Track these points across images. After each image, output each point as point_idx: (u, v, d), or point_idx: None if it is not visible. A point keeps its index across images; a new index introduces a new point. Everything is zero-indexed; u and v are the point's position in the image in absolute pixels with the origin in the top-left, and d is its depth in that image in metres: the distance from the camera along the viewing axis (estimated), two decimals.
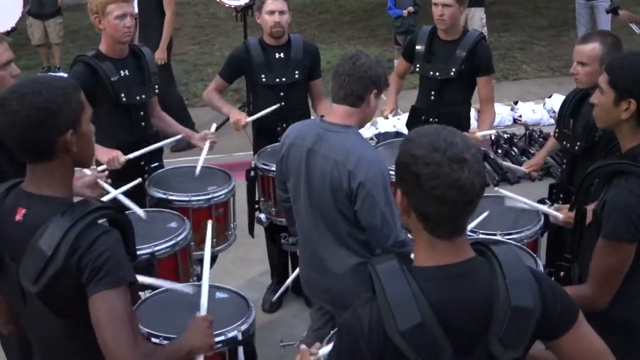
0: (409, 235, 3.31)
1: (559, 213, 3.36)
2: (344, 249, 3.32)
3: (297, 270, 3.87)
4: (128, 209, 3.45)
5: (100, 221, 2.22)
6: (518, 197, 3.68)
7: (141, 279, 2.53)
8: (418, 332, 1.80)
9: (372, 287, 1.89)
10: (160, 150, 4.49)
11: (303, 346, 2.32)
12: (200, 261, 4.10)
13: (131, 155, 4.02)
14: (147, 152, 4.20)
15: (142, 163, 4.30)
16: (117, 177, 3.84)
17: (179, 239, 3.64)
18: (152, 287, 3.15)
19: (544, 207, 3.60)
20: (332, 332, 2.96)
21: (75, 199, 2.33)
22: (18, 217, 2.23)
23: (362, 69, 3.17)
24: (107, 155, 3.89)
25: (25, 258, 2.17)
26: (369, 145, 3.52)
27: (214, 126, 4.55)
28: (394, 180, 3.81)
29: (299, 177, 3.34)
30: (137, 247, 2.56)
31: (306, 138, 3.31)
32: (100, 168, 3.82)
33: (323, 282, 3.45)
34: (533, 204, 3.64)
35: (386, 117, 4.96)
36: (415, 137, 1.90)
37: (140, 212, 3.52)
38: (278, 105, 4.57)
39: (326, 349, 2.30)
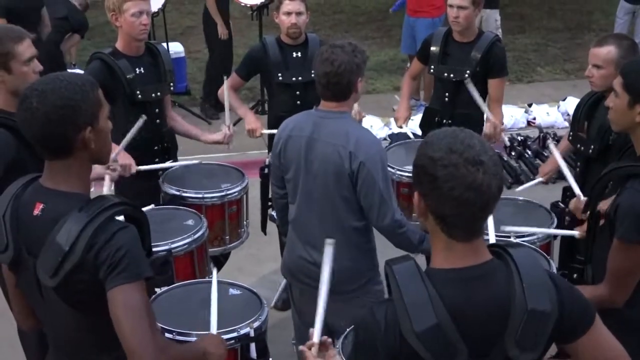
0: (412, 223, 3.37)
1: (575, 231, 3.40)
2: (343, 236, 3.31)
3: None
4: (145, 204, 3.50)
5: (117, 217, 2.24)
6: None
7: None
8: (434, 334, 1.81)
9: (389, 286, 1.90)
10: (174, 147, 4.52)
11: (301, 347, 2.33)
12: (215, 258, 4.12)
13: (143, 168, 4.05)
14: (160, 168, 4.27)
15: (157, 160, 4.32)
16: (131, 176, 3.93)
17: (195, 236, 3.65)
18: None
19: (556, 231, 3.65)
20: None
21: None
22: (36, 212, 2.24)
23: (342, 67, 3.24)
24: (122, 161, 3.91)
25: (43, 252, 2.19)
26: (364, 128, 3.67)
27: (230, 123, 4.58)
28: (406, 180, 3.84)
29: (299, 167, 3.40)
30: (154, 244, 2.58)
31: (304, 128, 3.38)
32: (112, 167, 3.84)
33: (318, 272, 3.44)
34: (545, 230, 3.67)
35: (400, 127, 4.95)
36: (433, 140, 1.90)
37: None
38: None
39: (317, 328, 2.32)
